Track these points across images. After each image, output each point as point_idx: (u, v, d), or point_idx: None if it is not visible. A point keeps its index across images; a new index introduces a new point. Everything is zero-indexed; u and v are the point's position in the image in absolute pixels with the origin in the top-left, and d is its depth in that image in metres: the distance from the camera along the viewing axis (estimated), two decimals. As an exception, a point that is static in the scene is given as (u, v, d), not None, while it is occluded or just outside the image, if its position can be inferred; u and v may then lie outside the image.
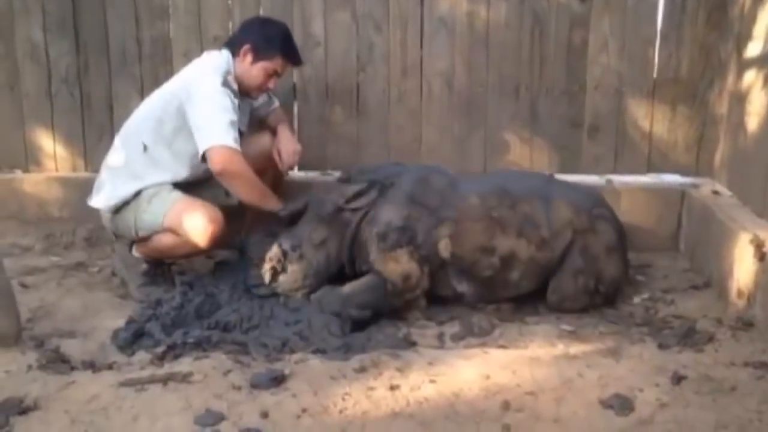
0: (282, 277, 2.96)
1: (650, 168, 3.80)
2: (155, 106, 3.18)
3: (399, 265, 2.91)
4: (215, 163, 3.00)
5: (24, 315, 2.76)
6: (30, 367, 2.38)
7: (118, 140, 3.26)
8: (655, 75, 3.72)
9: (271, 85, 3.27)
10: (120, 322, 2.78)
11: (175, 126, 3.12)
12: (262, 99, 3.46)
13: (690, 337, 2.61)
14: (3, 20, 3.93)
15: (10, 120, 4.03)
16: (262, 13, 3.85)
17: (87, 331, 2.78)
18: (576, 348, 2.55)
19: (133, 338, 2.64)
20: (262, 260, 2.99)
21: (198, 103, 3.04)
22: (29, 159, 4.08)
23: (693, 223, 3.53)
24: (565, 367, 2.35)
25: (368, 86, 3.87)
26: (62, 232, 3.88)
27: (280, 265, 2.97)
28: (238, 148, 3.02)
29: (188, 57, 3.88)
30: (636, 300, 3.11)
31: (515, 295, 3.03)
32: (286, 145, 3.36)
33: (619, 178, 3.79)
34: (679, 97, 3.71)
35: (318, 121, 3.92)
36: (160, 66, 3.90)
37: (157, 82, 3.70)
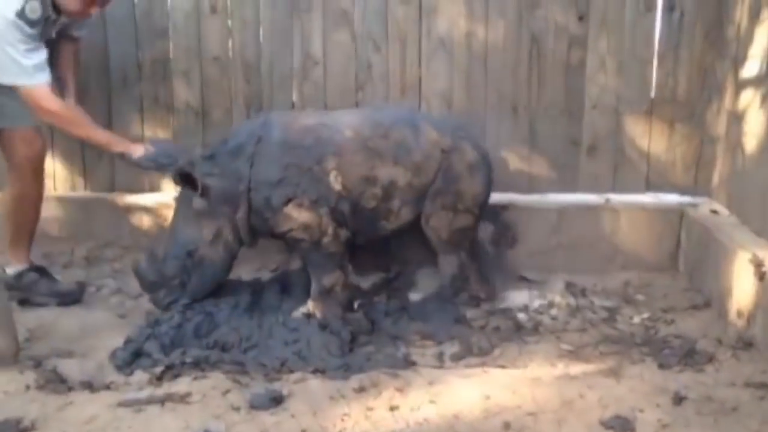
0: (191, 285, 2.99)
1: (649, 187, 3.81)
2: None
3: (293, 220, 2.95)
4: (37, 105, 3.01)
5: (22, 334, 2.75)
6: (28, 387, 2.36)
7: None
8: (652, 94, 3.73)
9: (92, 11, 3.14)
10: (118, 342, 2.77)
11: None
12: (65, 19, 3.22)
13: (690, 357, 2.61)
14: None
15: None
16: (261, 33, 3.87)
17: (85, 350, 2.77)
18: (576, 368, 2.54)
19: (131, 358, 2.63)
20: (164, 280, 2.99)
21: None
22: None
23: (692, 243, 3.53)
24: (565, 388, 2.35)
25: (367, 105, 3.88)
26: (61, 252, 3.87)
27: (186, 276, 2.98)
28: (49, 83, 3.02)
29: (188, 77, 3.91)
30: (636, 319, 3.10)
31: (396, 228, 3.15)
32: None
33: (617, 197, 3.80)
34: (677, 117, 3.73)
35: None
36: (159, 86, 3.92)
37: (157, 102, 3.73)
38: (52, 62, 3.21)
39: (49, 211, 3.99)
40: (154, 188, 4.05)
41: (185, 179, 2.94)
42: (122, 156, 3.11)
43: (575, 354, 2.73)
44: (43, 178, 3.32)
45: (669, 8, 3.64)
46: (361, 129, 3.09)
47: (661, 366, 2.56)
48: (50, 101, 3.01)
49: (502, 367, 2.60)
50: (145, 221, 3.95)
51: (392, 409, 2.22)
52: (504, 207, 3.68)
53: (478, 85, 3.81)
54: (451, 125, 3.35)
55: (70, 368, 2.56)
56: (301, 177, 2.95)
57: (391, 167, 3.07)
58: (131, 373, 2.55)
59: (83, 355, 2.73)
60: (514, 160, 3.84)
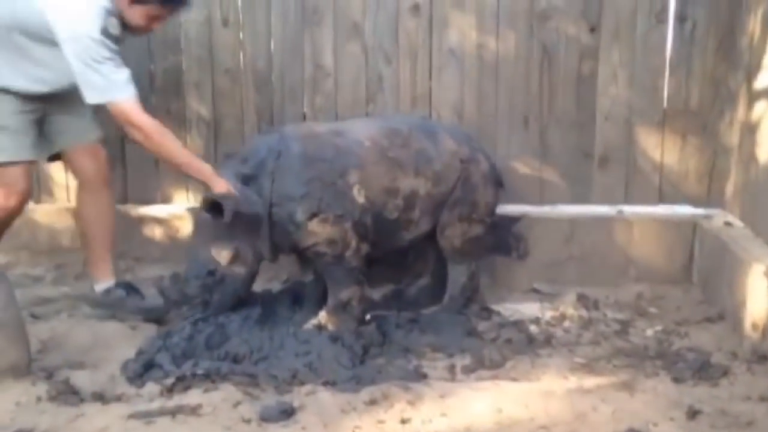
0: (213, 304, 2.94)
1: (661, 199, 3.79)
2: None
3: (318, 235, 2.92)
4: (124, 119, 2.92)
5: (34, 346, 2.75)
6: (40, 398, 2.37)
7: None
8: (665, 105, 3.72)
9: (155, 26, 3.11)
10: (130, 353, 2.77)
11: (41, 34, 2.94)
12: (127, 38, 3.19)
13: (705, 370, 2.58)
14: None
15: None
16: (273, 45, 3.89)
17: (97, 362, 2.77)
18: (589, 381, 2.52)
19: (142, 369, 2.63)
20: (186, 299, 2.95)
21: (81, 54, 2.86)
22: (42, 189, 4.11)
23: (705, 255, 3.51)
24: (578, 401, 2.33)
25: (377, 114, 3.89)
26: (73, 263, 3.89)
27: (207, 295, 2.93)
28: (137, 102, 2.95)
29: (200, 89, 3.93)
30: (649, 332, 3.08)
31: (414, 238, 3.15)
32: None
33: (630, 209, 3.78)
34: (690, 128, 3.71)
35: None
36: (172, 98, 3.94)
37: (169, 113, 3.75)
38: None
39: (62, 222, 4.04)
40: (166, 200, 4.07)
41: (214, 208, 2.88)
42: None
43: (588, 367, 2.71)
44: (112, 189, 3.35)
45: (681, 19, 3.63)
46: (380, 139, 3.08)
47: (675, 379, 2.53)
48: (140, 116, 2.94)
49: (514, 379, 2.58)
50: (157, 232, 3.97)
51: (404, 421, 2.20)
52: (516, 218, 3.67)
53: (489, 96, 3.81)
54: (462, 133, 3.38)
55: (81, 380, 2.56)
56: (325, 191, 2.92)
57: (412, 178, 3.07)
58: (142, 385, 2.55)
59: (95, 366, 2.73)
60: (525, 172, 3.83)
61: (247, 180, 2.92)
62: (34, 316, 3.21)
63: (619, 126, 3.75)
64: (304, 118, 3.91)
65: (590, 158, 3.79)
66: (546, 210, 3.79)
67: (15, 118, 3.04)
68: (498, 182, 3.34)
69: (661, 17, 3.64)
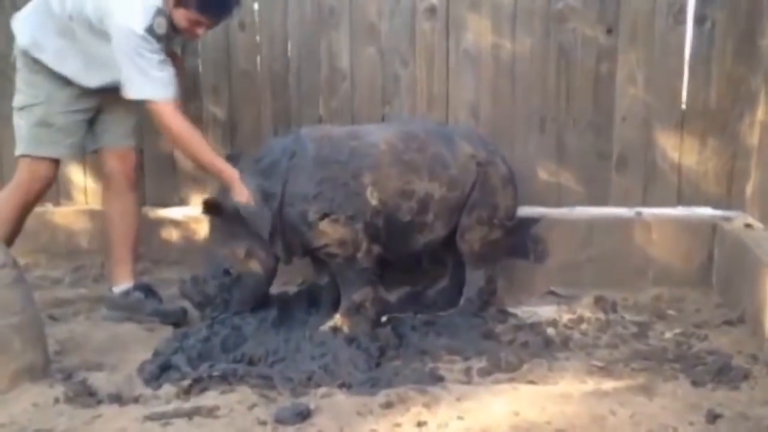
0: (233, 302, 3.02)
1: (680, 200, 3.75)
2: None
3: (328, 236, 2.93)
4: (159, 120, 3.02)
5: (52, 347, 2.78)
6: (57, 400, 2.38)
7: None
8: (683, 106, 3.69)
9: (199, 32, 3.13)
10: (147, 355, 2.78)
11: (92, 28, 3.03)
12: (180, 38, 3.27)
13: (725, 374, 2.55)
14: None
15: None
16: (289, 48, 3.90)
17: (114, 363, 2.79)
18: (607, 384, 2.49)
19: (159, 371, 2.63)
20: (203, 302, 3.03)
21: (126, 48, 2.93)
22: (61, 193, 4.14)
23: (725, 257, 3.47)
24: (596, 405, 2.30)
25: (394, 118, 3.88)
26: (91, 265, 3.92)
27: (227, 293, 3.01)
28: (177, 103, 3.03)
29: (217, 92, 3.95)
30: (668, 335, 3.05)
31: (429, 241, 3.14)
32: None
33: (648, 211, 3.74)
34: (709, 129, 3.67)
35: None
36: (189, 101, 3.95)
37: (186, 116, 3.75)
38: None
39: (80, 224, 4.07)
40: (183, 202, 4.09)
41: (213, 208, 2.98)
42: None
43: (606, 370, 2.68)
44: (138, 193, 3.40)
45: (699, 20, 3.60)
46: (396, 142, 3.09)
47: (695, 383, 2.50)
48: (174, 118, 3.00)
49: (532, 383, 2.56)
50: (174, 235, 3.99)
51: (420, 425, 2.19)
52: (534, 220, 3.65)
53: (506, 98, 3.79)
54: (480, 137, 3.36)
55: (99, 381, 2.57)
56: (337, 192, 2.94)
57: (427, 181, 3.07)
58: (159, 387, 2.55)
59: (112, 367, 2.75)
60: (542, 174, 3.81)
61: (262, 176, 2.96)
62: (53, 318, 3.24)
63: (637, 127, 3.72)
64: (320, 120, 3.92)
65: (608, 160, 3.77)
66: (564, 212, 3.77)
67: (62, 117, 3.16)
68: (516, 185, 3.33)
69: (679, 18, 3.61)
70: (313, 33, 3.87)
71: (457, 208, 3.16)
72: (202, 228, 3.93)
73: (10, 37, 3.97)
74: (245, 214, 2.94)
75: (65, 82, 3.12)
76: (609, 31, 3.67)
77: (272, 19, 3.90)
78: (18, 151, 3.18)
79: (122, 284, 3.32)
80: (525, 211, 3.65)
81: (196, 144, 3.04)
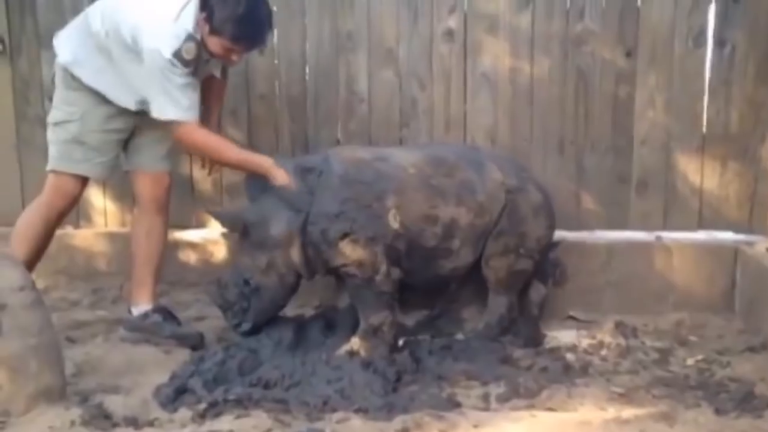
0: (251, 311, 3.04)
1: (701, 225, 3.71)
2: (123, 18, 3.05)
3: (347, 256, 2.91)
4: (179, 140, 3.11)
5: (69, 369, 2.78)
6: (73, 423, 2.37)
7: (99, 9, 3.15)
8: (704, 130, 3.66)
9: (234, 58, 3.14)
10: (163, 378, 2.77)
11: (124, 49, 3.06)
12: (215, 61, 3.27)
13: (748, 401, 2.50)
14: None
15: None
16: (308, 71, 3.92)
17: (131, 386, 2.78)
18: (628, 412, 2.45)
19: (175, 394, 2.63)
20: (226, 306, 3.07)
21: (153, 70, 2.98)
22: (80, 215, 4.17)
23: (748, 282, 3.42)
24: (616, 433, 2.26)
25: (412, 141, 3.88)
26: (110, 287, 3.94)
27: (245, 303, 3.02)
28: (197, 121, 3.09)
29: (236, 115, 3.97)
30: (690, 362, 3.00)
31: (454, 268, 3.11)
32: None
33: (669, 235, 3.70)
34: (730, 153, 3.64)
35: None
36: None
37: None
38: (203, 94, 3.29)
39: (99, 246, 4.09)
40: (200, 224, 4.10)
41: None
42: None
43: (626, 397, 2.64)
44: (166, 216, 3.40)
45: (720, 43, 3.59)
46: (424, 166, 3.08)
47: (717, 411, 2.45)
48: (196, 135, 3.09)
49: (551, 409, 2.52)
50: (191, 257, 3.99)
51: (436, 451, 2.16)
52: (553, 244, 3.61)
53: (524, 120, 3.79)
54: (513, 164, 3.34)
55: (115, 404, 2.56)
56: (359, 212, 2.93)
57: (453, 207, 3.05)
58: (175, 410, 2.54)
59: (128, 390, 2.74)
60: (561, 197, 3.77)
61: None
62: (70, 340, 3.25)
63: (656, 151, 3.69)
64: (338, 143, 3.93)
65: (627, 183, 3.74)
66: (583, 236, 3.73)
67: (96, 136, 3.19)
68: (552, 214, 3.30)
69: (699, 41, 3.60)
70: (331, 57, 3.89)
71: (484, 234, 3.14)
72: (220, 250, 3.95)
73: (33, 62, 4.06)
74: (285, 196, 2.98)
75: (102, 100, 3.16)
76: (628, 54, 3.66)
77: (290, 43, 3.92)
78: (48, 167, 3.22)
79: (141, 306, 3.32)
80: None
81: (224, 149, 3.14)
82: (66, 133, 3.17)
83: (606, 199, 3.76)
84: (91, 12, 3.17)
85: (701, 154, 3.66)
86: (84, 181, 3.26)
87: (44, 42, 4.01)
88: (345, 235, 2.92)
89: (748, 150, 3.62)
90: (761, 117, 3.57)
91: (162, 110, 3.03)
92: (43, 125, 4.04)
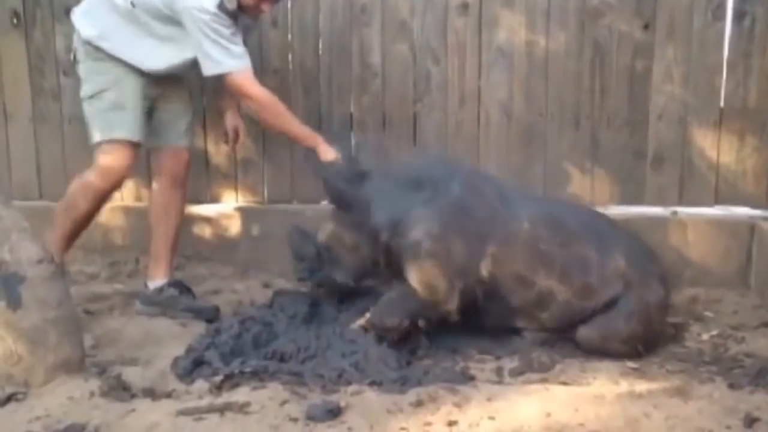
0: (319, 276, 3.03)
1: (718, 200, 3.68)
2: None
3: (426, 276, 2.80)
4: (239, 88, 3.13)
5: (88, 342, 2.81)
6: (92, 393, 2.40)
7: None
8: (722, 104, 3.62)
9: (264, 8, 3.18)
10: (180, 350, 2.80)
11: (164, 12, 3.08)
12: (243, 22, 3.27)
13: (763, 377, 2.49)
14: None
15: (80, 153, 4.15)
16: (321, 45, 3.91)
17: (148, 358, 2.81)
18: (641, 386, 2.45)
19: (192, 366, 2.65)
20: (301, 257, 3.04)
21: (201, 26, 2.99)
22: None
23: (764, 258, 3.40)
24: (630, 407, 2.27)
25: (426, 116, 3.87)
26: (126, 260, 3.97)
27: (318, 264, 3.00)
28: (252, 74, 3.12)
29: (249, 89, 3.96)
30: (704, 337, 2.99)
31: (531, 328, 2.91)
32: (241, 126, 3.61)
33: (685, 210, 3.68)
34: (748, 127, 3.60)
35: (375, 150, 3.93)
36: (221, 98, 3.97)
37: (219, 115, 3.78)
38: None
39: (116, 221, 4.12)
40: (215, 199, 4.12)
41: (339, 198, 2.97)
42: (309, 153, 3.15)
43: (640, 372, 2.64)
44: (184, 191, 3.43)
45: (739, 16, 3.54)
46: (540, 225, 2.82)
47: (732, 386, 2.45)
48: (255, 86, 3.12)
49: (564, 383, 2.53)
50: (206, 231, 4.02)
51: (450, 424, 2.18)
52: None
53: (539, 95, 3.76)
54: (642, 250, 2.97)
55: (133, 375, 2.59)
56: (455, 244, 2.78)
57: (555, 281, 2.78)
58: (192, 382, 2.57)
59: (146, 362, 2.78)
60: (575, 172, 3.77)
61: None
62: (88, 313, 3.29)
63: (673, 125, 3.66)
64: (351, 117, 3.92)
65: (643, 158, 3.71)
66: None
67: (133, 100, 3.18)
68: (667, 308, 2.96)
69: (717, 14, 3.55)
70: (345, 30, 3.87)
71: (580, 315, 2.81)
72: (234, 224, 3.97)
73: (48, 36, 4.05)
74: (328, 173, 2.98)
75: (131, 68, 3.15)
76: (646, 27, 3.62)
77: (304, 16, 3.90)
78: (94, 140, 3.18)
79: (157, 280, 3.35)
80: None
81: (281, 111, 3.17)
82: (104, 102, 3.15)
83: (621, 174, 3.74)
84: None
85: (718, 128, 3.63)
86: (134, 148, 3.20)
87: (58, 15, 4.02)
88: (431, 257, 2.78)
89: (767, 125, 3.58)
90: (780, 91, 3.53)
91: (218, 64, 3.05)
92: (58, 99, 4.11)
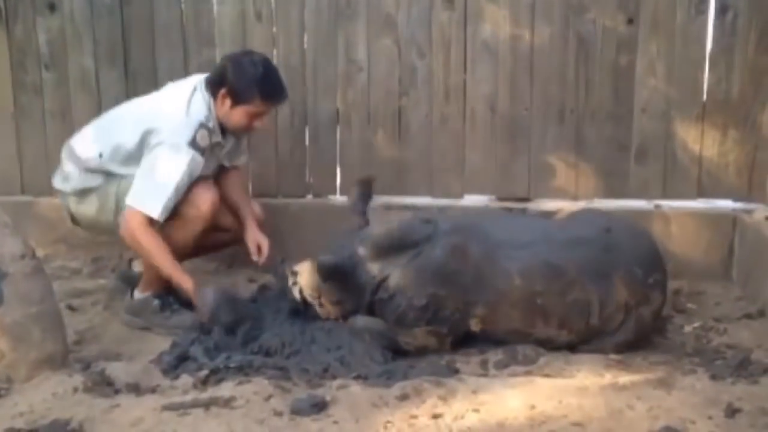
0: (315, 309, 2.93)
1: (700, 193, 3.71)
2: (125, 126, 3.09)
3: (415, 341, 2.77)
4: (125, 224, 2.95)
5: (71, 337, 2.80)
6: (76, 389, 2.40)
7: (91, 131, 3.20)
8: (704, 98, 3.64)
9: (258, 124, 3.16)
10: (164, 345, 2.80)
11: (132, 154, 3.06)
12: (230, 144, 3.32)
13: (744, 368, 2.52)
14: (56, 49, 4.04)
15: (61, 146, 4.12)
16: (306, 40, 3.90)
17: (132, 353, 2.81)
18: (625, 378, 2.47)
19: (176, 362, 2.65)
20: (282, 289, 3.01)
21: (154, 155, 2.95)
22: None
23: (746, 250, 3.43)
24: (613, 398, 2.29)
25: (411, 110, 3.87)
26: (110, 256, 3.95)
27: (316, 300, 2.92)
28: (161, 219, 2.93)
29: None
30: (687, 329, 3.02)
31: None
32: (264, 241, 3.30)
33: (668, 203, 3.71)
34: (730, 121, 3.63)
35: (360, 145, 3.93)
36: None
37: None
38: (225, 192, 3.29)
39: (98, 216, 4.08)
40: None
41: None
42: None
43: (623, 364, 2.66)
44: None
45: (722, 10, 3.55)
46: (535, 279, 2.71)
47: (714, 377, 2.47)
48: (143, 233, 2.94)
49: (548, 376, 2.54)
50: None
51: (435, 417, 2.19)
52: (552, 214, 3.61)
53: (524, 89, 3.76)
54: (650, 261, 2.84)
55: (117, 371, 2.58)
56: (442, 313, 2.73)
57: (554, 329, 2.74)
58: (177, 377, 2.57)
59: (130, 358, 2.77)
60: (560, 166, 3.78)
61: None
62: (71, 308, 3.27)
63: (656, 119, 3.68)
64: (338, 113, 3.91)
65: (627, 152, 3.73)
66: (581, 205, 3.73)
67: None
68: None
69: (700, 8, 3.57)
70: (330, 25, 3.86)
71: (582, 342, 2.79)
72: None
73: (29, 30, 4.01)
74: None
75: None
76: (629, 22, 3.63)
77: (289, 10, 3.89)
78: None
79: (145, 291, 3.20)
80: (545, 204, 3.65)
81: (155, 255, 2.96)
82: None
83: (605, 167, 3.76)
84: (76, 142, 3.19)
85: (701, 122, 3.65)
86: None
87: (40, 9, 3.98)
88: (418, 326, 2.75)
89: (749, 118, 3.60)
90: (762, 85, 3.55)
91: (133, 198, 2.95)
92: (40, 93, 4.08)
